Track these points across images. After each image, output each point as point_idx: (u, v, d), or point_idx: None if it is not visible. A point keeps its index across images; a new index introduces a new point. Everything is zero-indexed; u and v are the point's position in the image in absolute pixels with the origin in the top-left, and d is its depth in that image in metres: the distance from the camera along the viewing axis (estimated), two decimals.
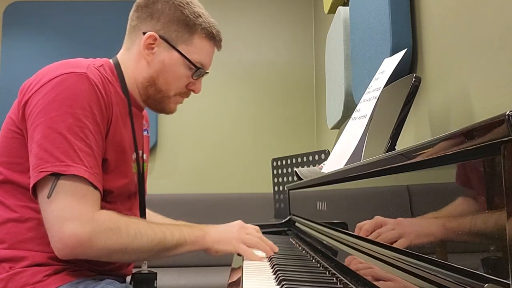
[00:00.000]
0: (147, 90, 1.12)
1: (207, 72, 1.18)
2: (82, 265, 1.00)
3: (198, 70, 1.13)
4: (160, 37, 1.09)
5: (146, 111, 1.26)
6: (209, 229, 1.08)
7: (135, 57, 1.12)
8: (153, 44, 1.10)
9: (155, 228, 1.00)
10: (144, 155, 1.20)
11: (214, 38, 1.15)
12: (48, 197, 0.90)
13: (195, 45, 1.12)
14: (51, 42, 3.19)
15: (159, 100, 1.14)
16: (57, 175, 0.90)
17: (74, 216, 0.89)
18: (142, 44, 1.10)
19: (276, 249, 1.09)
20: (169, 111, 1.18)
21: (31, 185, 0.92)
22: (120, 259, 1.02)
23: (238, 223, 1.14)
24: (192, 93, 1.19)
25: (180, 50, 1.10)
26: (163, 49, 1.10)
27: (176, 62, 1.11)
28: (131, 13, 1.15)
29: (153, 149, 3.16)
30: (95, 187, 0.94)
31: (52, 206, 0.90)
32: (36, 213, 0.96)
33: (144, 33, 1.10)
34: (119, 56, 1.15)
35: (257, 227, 1.17)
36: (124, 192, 1.09)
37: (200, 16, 1.12)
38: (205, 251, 1.07)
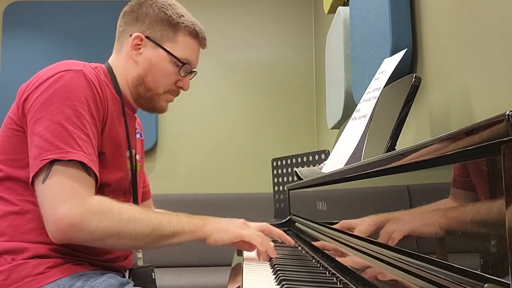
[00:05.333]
0: (137, 89, 1.17)
1: (195, 71, 1.24)
2: (83, 258, 1.02)
3: (184, 66, 1.18)
4: (146, 37, 1.16)
5: (139, 117, 1.29)
6: (210, 219, 1.06)
7: (124, 58, 1.17)
8: (140, 44, 1.16)
9: (151, 214, 1.00)
10: (138, 156, 1.23)
11: (197, 36, 1.20)
12: (43, 183, 0.92)
13: (180, 42, 1.17)
14: (51, 42, 3.19)
15: (149, 98, 1.19)
16: (52, 162, 0.92)
17: (66, 199, 0.91)
18: (130, 45, 1.16)
19: (274, 255, 1.04)
20: (160, 110, 1.23)
21: (32, 175, 0.93)
22: (114, 245, 0.99)
23: (242, 220, 1.11)
24: (187, 92, 1.24)
25: (166, 48, 1.16)
26: (149, 48, 1.16)
27: (162, 59, 1.16)
28: (118, 20, 1.21)
29: (153, 149, 3.16)
30: (90, 174, 0.96)
31: (45, 191, 0.92)
32: (37, 207, 0.98)
33: (131, 35, 1.16)
34: (110, 60, 1.20)
35: (265, 224, 1.13)
36: (120, 186, 1.11)
37: (182, 15, 1.18)
38: (204, 241, 1.04)
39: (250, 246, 1.06)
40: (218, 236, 1.04)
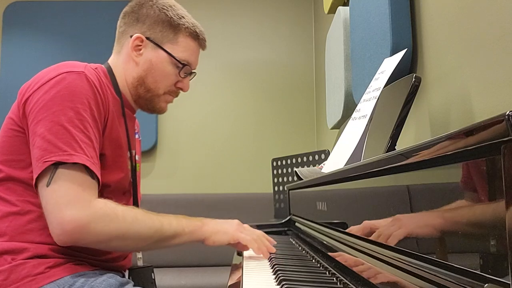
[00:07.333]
0: (137, 90, 1.17)
1: (195, 72, 1.24)
2: (83, 258, 1.02)
3: (184, 68, 1.19)
4: (147, 38, 1.16)
5: (139, 117, 1.29)
6: (208, 220, 1.10)
7: (125, 59, 1.17)
8: (141, 45, 1.16)
9: (153, 216, 1.03)
10: (137, 156, 1.24)
11: (198, 37, 1.21)
12: (47, 186, 0.92)
13: (180, 43, 1.18)
14: (51, 42, 3.19)
15: (149, 99, 1.19)
16: (56, 165, 0.92)
17: (72, 202, 0.91)
18: (130, 46, 1.16)
19: (273, 250, 1.09)
20: (159, 111, 1.23)
21: (35, 176, 0.94)
22: (119, 247, 1.02)
23: (237, 221, 1.15)
24: (185, 92, 1.24)
25: (166, 49, 1.16)
26: (150, 49, 1.16)
27: (163, 61, 1.17)
28: (118, 21, 1.21)
29: (153, 149, 3.16)
30: (93, 177, 0.97)
31: (50, 194, 0.92)
32: (37, 207, 0.98)
33: (131, 36, 1.16)
34: (110, 61, 1.20)
35: (260, 232, 1.15)
36: (120, 187, 1.12)
37: (183, 17, 1.19)
38: (202, 241, 1.08)
39: (246, 247, 1.10)
40: (217, 237, 1.08)
